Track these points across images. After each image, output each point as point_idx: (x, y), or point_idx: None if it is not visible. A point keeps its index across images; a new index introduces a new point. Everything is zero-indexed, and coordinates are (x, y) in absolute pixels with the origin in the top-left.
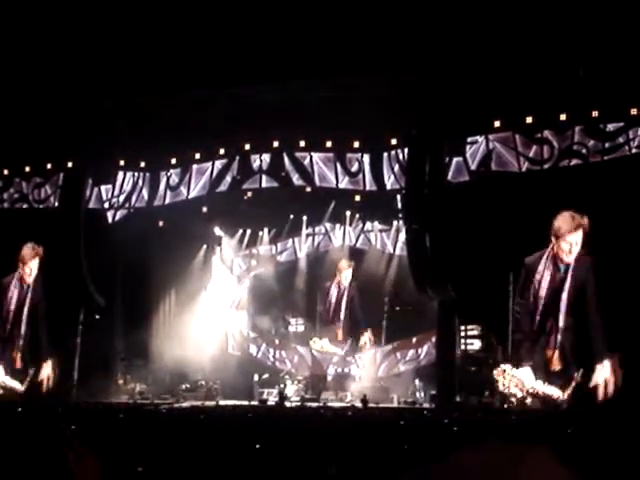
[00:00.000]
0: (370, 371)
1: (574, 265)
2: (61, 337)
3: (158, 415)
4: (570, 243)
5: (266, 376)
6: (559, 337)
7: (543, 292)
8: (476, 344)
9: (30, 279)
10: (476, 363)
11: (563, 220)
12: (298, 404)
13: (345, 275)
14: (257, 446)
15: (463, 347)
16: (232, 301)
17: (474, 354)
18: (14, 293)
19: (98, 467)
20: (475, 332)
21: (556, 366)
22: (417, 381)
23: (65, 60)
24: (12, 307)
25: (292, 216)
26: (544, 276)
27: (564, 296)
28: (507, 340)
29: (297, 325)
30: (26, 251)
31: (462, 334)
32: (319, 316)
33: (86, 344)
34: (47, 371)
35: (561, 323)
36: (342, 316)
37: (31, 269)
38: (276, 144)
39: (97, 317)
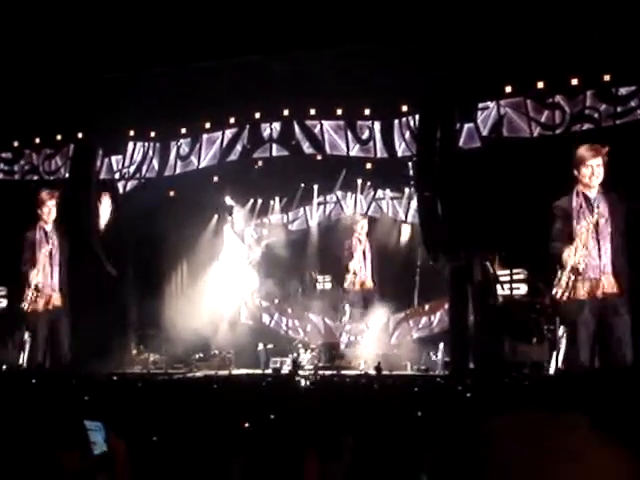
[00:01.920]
0: (383, 339)
1: (604, 198)
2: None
3: (172, 385)
4: (591, 166)
5: (270, 346)
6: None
7: (591, 226)
8: (522, 289)
9: (50, 219)
10: (523, 308)
11: (582, 149)
12: (312, 372)
13: (362, 225)
14: (271, 415)
15: (508, 292)
16: (245, 263)
17: (520, 299)
18: (43, 244)
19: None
20: (521, 276)
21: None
22: (441, 345)
23: (74, 31)
24: (46, 257)
25: (303, 185)
26: (585, 211)
27: (603, 227)
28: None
29: (324, 283)
30: (43, 194)
31: (507, 278)
32: (346, 270)
33: (99, 315)
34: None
35: (609, 254)
36: (369, 265)
37: (49, 208)
38: (286, 112)
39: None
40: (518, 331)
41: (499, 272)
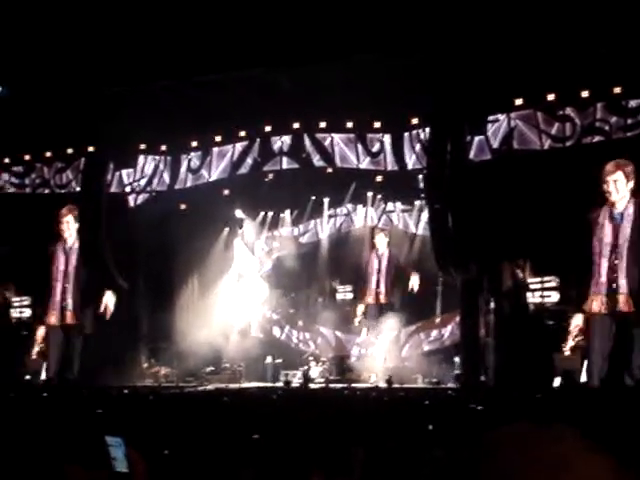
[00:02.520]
0: (394, 351)
1: (627, 212)
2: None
3: (183, 398)
4: (607, 182)
5: (279, 360)
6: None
7: (605, 243)
8: (554, 296)
9: (68, 235)
10: (554, 317)
11: (607, 165)
12: (322, 385)
13: (378, 239)
14: (282, 428)
15: (539, 299)
16: (256, 275)
17: (551, 307)
18: (60, 259)
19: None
20: (552, 284)
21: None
22: (457, 359)
23: (85, 44)
24: (60, 273)
25: (313, 197)
26: (604, 227)
27: (622, 242)
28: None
29: (345, 292)
30: (63, 210)
31: (538, 286)
32: (362, 285)
33: (110, 327)
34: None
35: (623, 270)
36: (385, 279)
37: (68, 222)
38: (296, 125)
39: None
40: (549, 339)
41: (530, 280)
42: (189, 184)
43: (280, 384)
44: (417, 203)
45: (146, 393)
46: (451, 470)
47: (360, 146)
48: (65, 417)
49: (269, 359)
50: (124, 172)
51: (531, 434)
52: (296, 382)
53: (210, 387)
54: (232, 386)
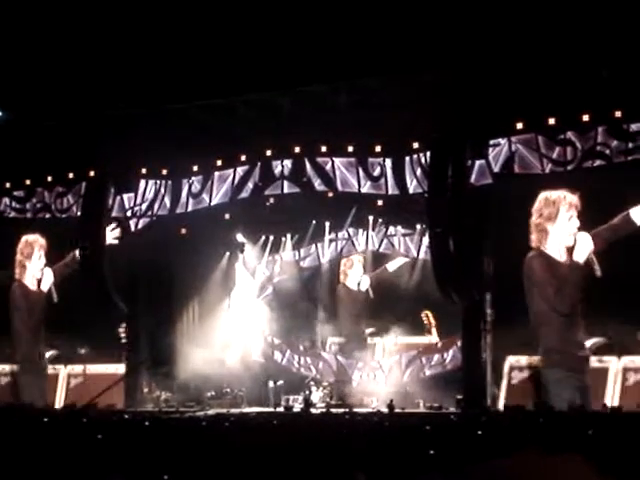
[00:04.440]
0: (395, 376)
1: None
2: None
3: (183, 423)
4: None
5: (280, 382)
6: None
7: None
8: None
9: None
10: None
11: None
12: (324, 410)
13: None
14: (283, 453)
15: None
16: (257, 300)
17: None
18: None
19: None
20: None
21: None
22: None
23: (86, 69)
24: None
25: (314, 222)
26: None
27: None
28: None
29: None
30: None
31: None
32: None
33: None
34: None
35: None
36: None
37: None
38: (297, 150)
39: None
40: None
41: None
42: (190, 208)
43: (281, 409)
44: (418, 227)
45: (146, 418)
46: None
47: (361, 170)
48: (67, 445)
49: (271, 384)
50: (125, 196)
51: (542, 462)
52: (297, 407)
53: (211, 412)
54: (233, 411)
